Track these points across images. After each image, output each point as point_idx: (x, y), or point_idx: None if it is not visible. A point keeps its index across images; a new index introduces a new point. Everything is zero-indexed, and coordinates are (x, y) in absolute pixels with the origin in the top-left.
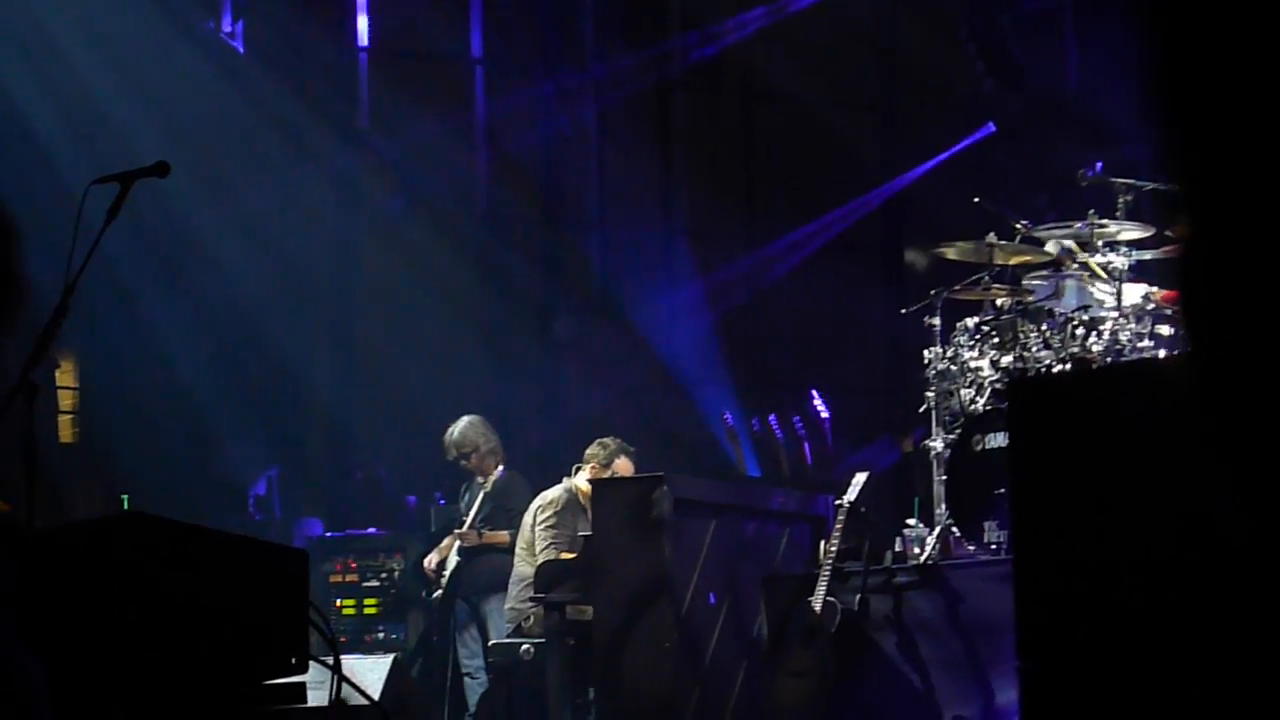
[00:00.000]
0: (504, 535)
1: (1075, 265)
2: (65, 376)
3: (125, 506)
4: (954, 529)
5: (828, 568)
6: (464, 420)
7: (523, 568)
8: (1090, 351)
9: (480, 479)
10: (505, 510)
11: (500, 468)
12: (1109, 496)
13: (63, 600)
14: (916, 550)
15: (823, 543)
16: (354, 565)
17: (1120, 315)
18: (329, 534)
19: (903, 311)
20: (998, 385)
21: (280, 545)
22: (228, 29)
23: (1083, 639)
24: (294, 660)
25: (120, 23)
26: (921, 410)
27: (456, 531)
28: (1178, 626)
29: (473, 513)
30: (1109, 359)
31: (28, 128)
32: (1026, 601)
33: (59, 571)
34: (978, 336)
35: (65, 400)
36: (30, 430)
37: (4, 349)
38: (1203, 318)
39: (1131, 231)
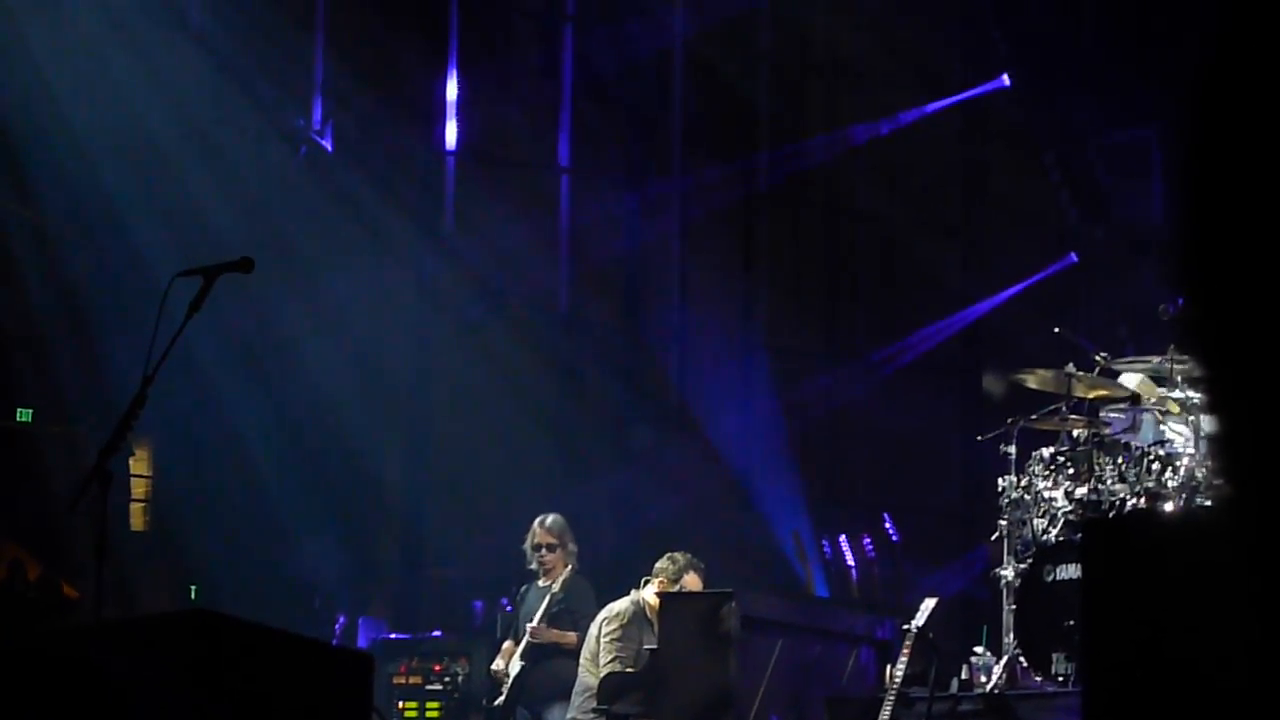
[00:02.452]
0: (572, 636)
1: (1153, 400)
2: (139, 464)
3: (194, 597)
4: (1021, 659)
5: (893, 692)
6: (556, 514)
7: (586, 678)
8: (1165, 487)
9: (544, 579)
10: (570, 613)
11: (569, 569)
12: (1178, 639)
13: (124, 694)
14: (983, 678)
15: (889, 667)
16: (419, 668)
17: (1196, 452)
18: (394, 635)
19: (979, 438)
20: (1071, 516)
21: (345, 648)
22: (317, 127)
23: None
24: None
25: (213, 117)
26: (994, 538)
27: (529, 627)
28: None
29: (539, 614)
30: (1184, 495)
31: (119, 218)
32: None
33: (124, 664)
34: (1053, 467)
35: (138, 488)
36: (104, 519)
37: (82, 439)
38: (1230, 483)
39: None
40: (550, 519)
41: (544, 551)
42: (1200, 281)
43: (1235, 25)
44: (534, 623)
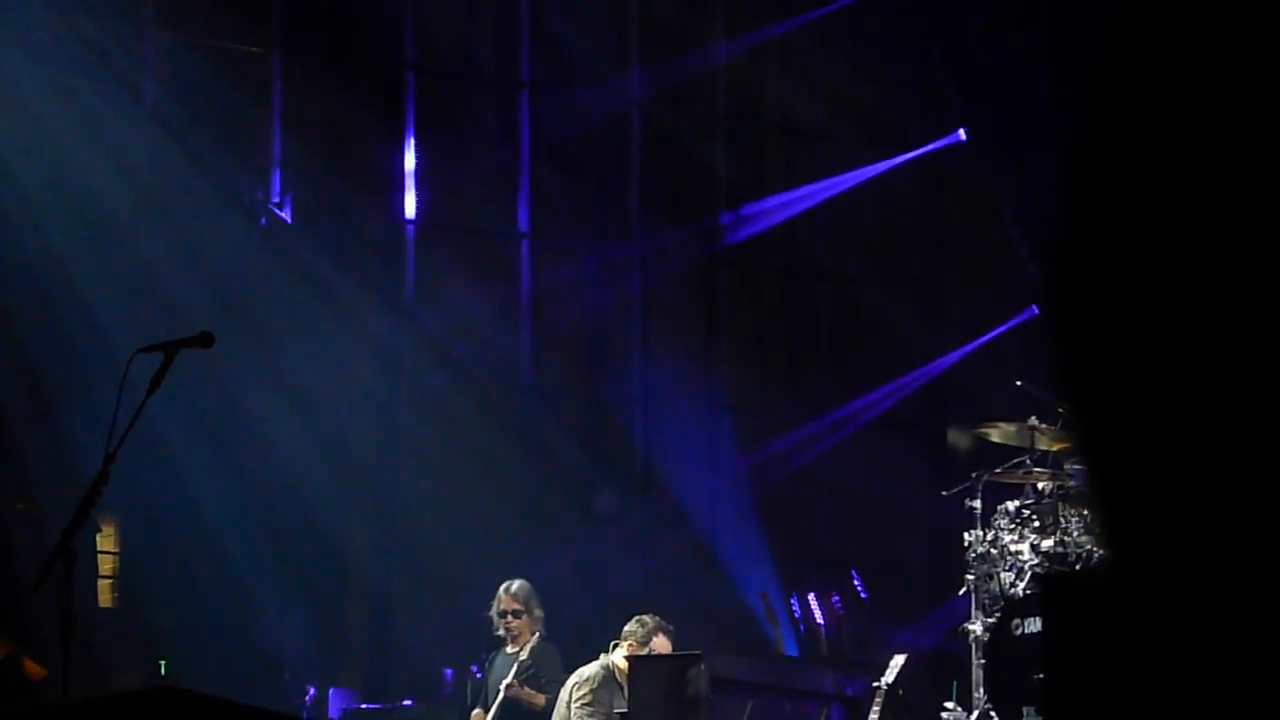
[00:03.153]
0: (542, 698)
1: None
2: (106, 541)
3: (164, 672)
4: (992, 713)
5: None
6: (520, 580)
7: None
8: None
9: (511, 646)
10: (538, 679)
11: (536, 635)
12: (1139, 691)
13: None
14: None
15: None
16: None
17: None
18: (364, 705)
19: (944, 494)
20: (1038, 569)
21: None
22: (276, 199)
23: None
24: None
25: (171, 190)
26: (961, 593)
27: (504, 684)
28: None
29: (509, 678)
30: None
31: (77, 292)
32: None
33: None
34: (1018, 520)
35: (105, 565)
36: (69, 598)
37: (46, 516)
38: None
39: None
40: (515, 585)
41: (510, 618)
42: (1070, 341)
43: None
44: (507, 680)
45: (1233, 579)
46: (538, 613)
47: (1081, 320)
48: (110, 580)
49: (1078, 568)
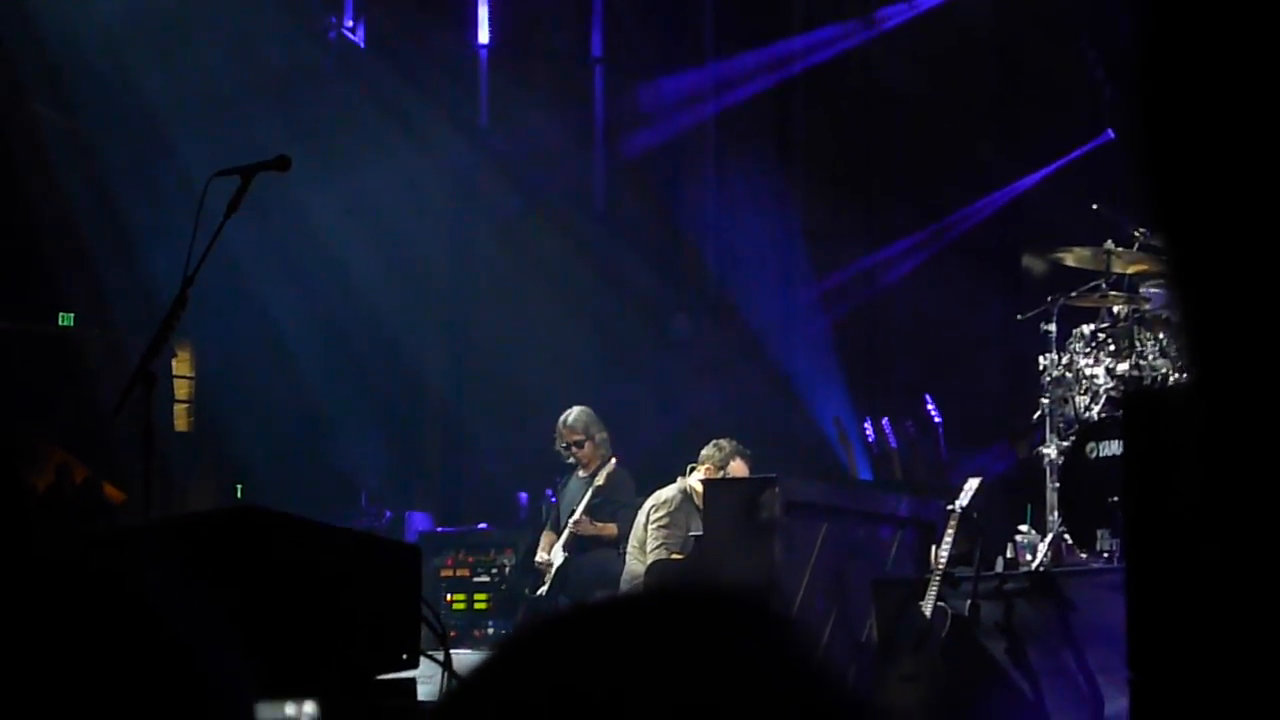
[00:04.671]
0: (612, 528)
1: None
2: (182, 366)
3: (239, 496)
4: (1066, 536)
5: (938, 573)
6: (578, 408)
7: (634, 565)
8: None
9: (583, 472)
10: (611, 504)
11: (612, 461)
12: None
13: (174, 592)
14: (1028, 557)
15: (934, 548)
16: (466, 560)
17: None
18: (440, 529)
19: (1018, 318)
20: (1113, 393)
21: (393, 540)
22: (349, 24)
23: (1195, 652)
24: (405, 656)
25: (245, 15)
26: (1036, 417)
27: (571, 520)
28: None
29: (581, 505)
30: None
31: (154, 120)
32: (1138, 612)
33: (175, 562)
34: (1094, 344)
35: (181, 390)
36: (148, 421)
37: (124, 342)
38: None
39: None
40: (572, 416)
41: (573, 448)
42: (1160, 158)
43: None
44: (576, 515)
45: None
46: (599, 436)
47: (1164, 141)
48: (187, 405)
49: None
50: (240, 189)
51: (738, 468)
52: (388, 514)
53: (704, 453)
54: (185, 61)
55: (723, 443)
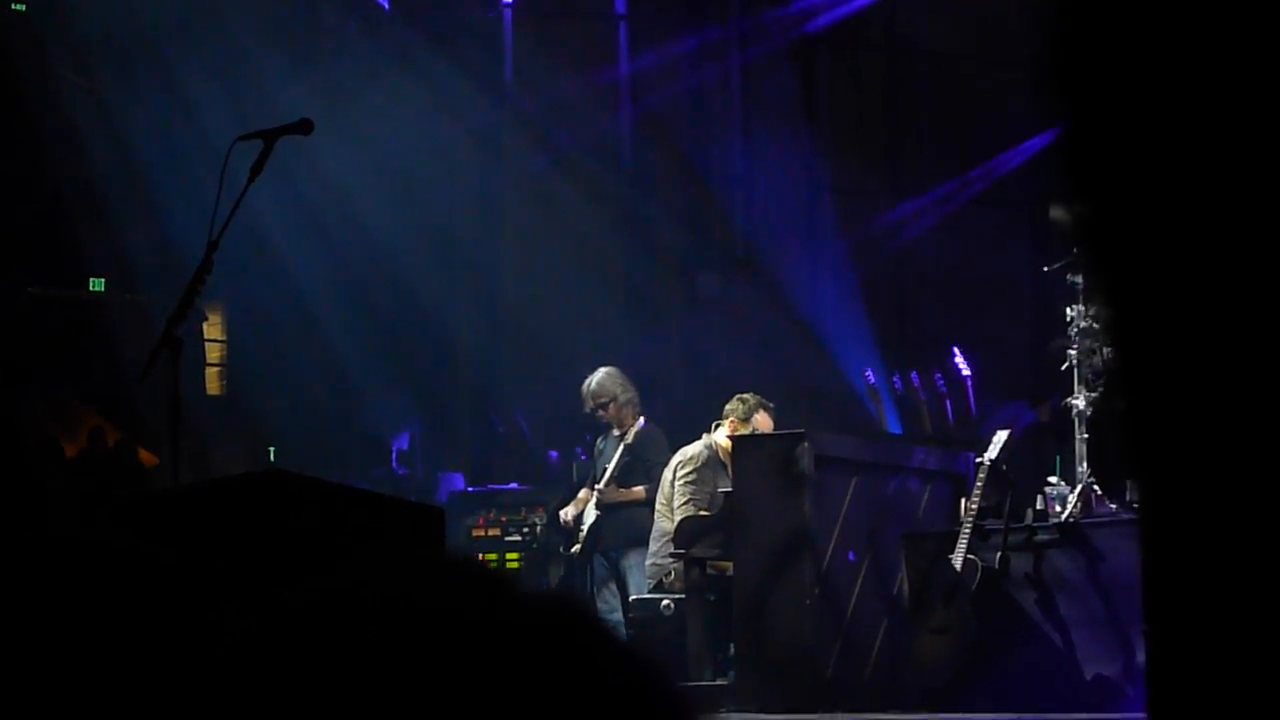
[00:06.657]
0: (640, 491)
1: None
2: (213, 329)
3: (272, 458)
4: (1095, 487)
5: (969, 525)
6: (601, 371)
7: (663, 523)
8: None
9: (616, 431)
10: (643, 462)
11: (641, 420)
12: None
13: (204, 557)
14: (1058, 508)
15: (964, 500)
16: (498, 520)
17: None
18: (471, 488)
19: (1045, 269)
20: None
21: (416, 503)
22: None
23: (1212, 604)
24: None
25: None
26: (1064, 368)
27: (596, 488)
28: None
29: (611, 465)
30: None
31: (174, 84)
32: (1154, 564)
33: (201, 527)
34: None
35: (213, 353)
36: (176, 385)
37: (151, 306)
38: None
39: None
40: (594, 382)
41: (601, 411)
42: (1084, 172)
43: None
44: (605, 478)
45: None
46: (624, 396)
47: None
48: (218, 368)
49: None
50: (263, 153)
51: (762, 421)
52: (419, 474)
53: (728, 407)
54: (206, 19)
55: (746, 396)
